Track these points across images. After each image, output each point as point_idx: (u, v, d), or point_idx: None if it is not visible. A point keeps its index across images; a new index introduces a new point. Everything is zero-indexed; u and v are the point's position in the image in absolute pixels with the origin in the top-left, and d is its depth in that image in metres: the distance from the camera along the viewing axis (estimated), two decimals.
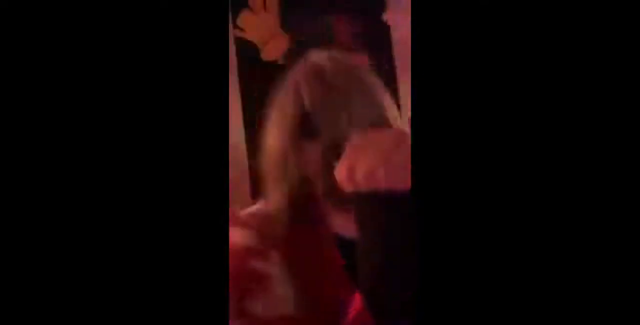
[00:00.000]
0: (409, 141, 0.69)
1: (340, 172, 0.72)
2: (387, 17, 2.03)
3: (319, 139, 0.82)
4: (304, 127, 0.83)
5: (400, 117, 0.87)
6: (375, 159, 0.69)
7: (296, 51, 1.80)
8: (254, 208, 0.91)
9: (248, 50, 1.87)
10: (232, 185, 0.69)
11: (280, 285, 0.84)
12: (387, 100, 0.86)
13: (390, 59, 1.98)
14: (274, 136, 0.87)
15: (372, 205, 0.71)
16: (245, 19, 1.89)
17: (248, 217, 0.90)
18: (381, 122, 0.84)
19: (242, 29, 1.89)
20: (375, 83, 0.87)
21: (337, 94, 0.83)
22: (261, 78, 1.84)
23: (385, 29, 2.02)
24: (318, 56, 0.88)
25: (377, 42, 1.98)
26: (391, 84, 1.89)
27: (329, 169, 0.76)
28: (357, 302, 0.80)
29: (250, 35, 1.89)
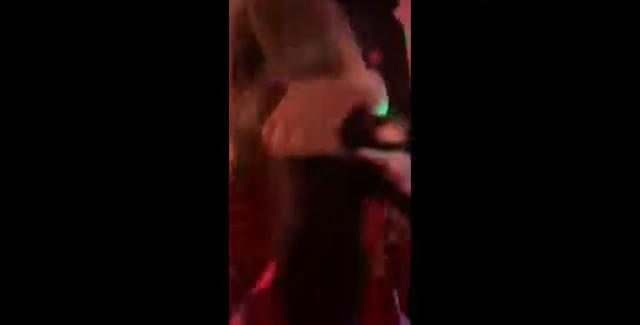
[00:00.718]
0: (346, 98, 0.62)
1: (266, 133, 0.65)
2: (399, 14, 1.96)
3: (261, 81, 0.70)
4: (247, 65, 0.73)
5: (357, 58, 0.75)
6: (296, 120, 0.63)
7: None
8: None
9: None
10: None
11: None
12: (344, 40, 0.77)
13: (403, 57, 1.89)
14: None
15: (290, 172, 0.65)
16: None
17: None
18: (333, 61, 0.74)
19: None
20: (334, 22, 0.78)
21: (287, 28, 0.73)
22: None
23: (397, 26, 1.94)
24: None
25: (389, 41, 1.90)
26: (405, 81, 1.80)
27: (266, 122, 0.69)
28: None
29: None
